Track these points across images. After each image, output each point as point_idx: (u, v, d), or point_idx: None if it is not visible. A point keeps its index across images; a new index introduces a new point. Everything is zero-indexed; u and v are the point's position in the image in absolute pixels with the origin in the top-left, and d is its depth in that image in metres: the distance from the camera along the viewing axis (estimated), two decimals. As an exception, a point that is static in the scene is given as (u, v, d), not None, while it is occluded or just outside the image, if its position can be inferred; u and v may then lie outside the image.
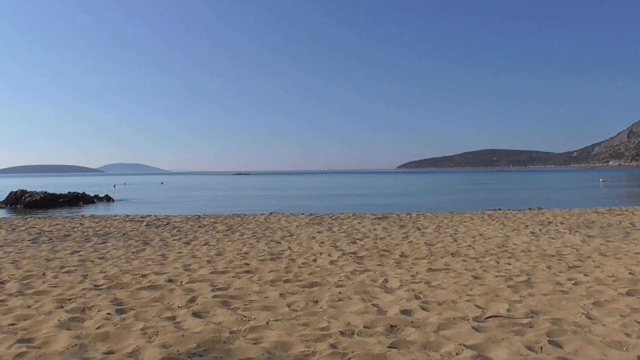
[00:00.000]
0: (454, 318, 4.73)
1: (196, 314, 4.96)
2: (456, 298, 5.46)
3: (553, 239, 10.47)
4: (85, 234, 12.49)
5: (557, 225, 13.07)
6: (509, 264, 7.56)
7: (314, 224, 14.45)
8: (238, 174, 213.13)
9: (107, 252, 9.37)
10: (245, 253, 8.99)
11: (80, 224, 15.17)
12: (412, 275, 6.74)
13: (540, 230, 12.14)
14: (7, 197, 29.62)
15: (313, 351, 3.92)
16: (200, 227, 13.92)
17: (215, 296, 5.65)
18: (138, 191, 51.38)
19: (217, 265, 7.76)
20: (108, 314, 4.97)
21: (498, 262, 7.69)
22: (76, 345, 4.03)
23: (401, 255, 8.52)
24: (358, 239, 10.91)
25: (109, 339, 4.24)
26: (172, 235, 11.97)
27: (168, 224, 14.86)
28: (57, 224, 15.05)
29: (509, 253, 8.59)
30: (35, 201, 28.20)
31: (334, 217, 16.60)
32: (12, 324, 4.67)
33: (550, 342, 4.02)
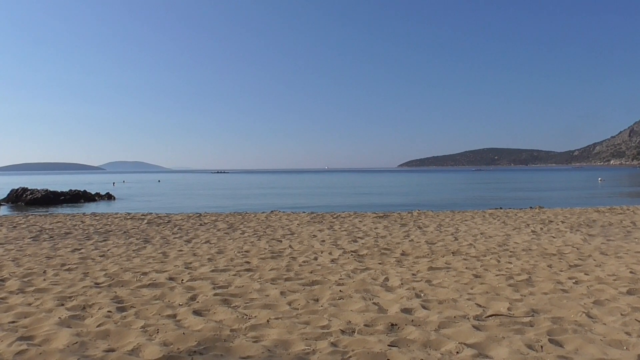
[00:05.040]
0: (454, 317, 4.73)
1: (197, 312, 4.97)
2: (457, 297, 5.46)
3: (554, 237, 10.46)
4: (86, 231, 12.50)
5: (558, 224, 13.05)
6: (510, 262, 7.56)
7: (315, 222, 14.45)
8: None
9: (108, 250, 9.38)
10: (246, 251, 8.99)
11: (81, 221, 15.19)
12: (413, 274, 6.74)
13: (541, 229, 12.13)
14: (9, 194, 29.66)
15: (313, 349, 3.92)
16: (201, 225, 13.92)
17: (216, 294, 5.66)
18: (139, 189, 51.45)
19: (218, 263, 7.76)
20: (109, 311, 4.98)
21: (499, 261, 7.68)
22: (77, 342, 4.04)
23: (402, 254, 8.52)
24: (359, 237, 10.90)
25: (109, 336, 4.24)
26: (173, 233, 11.97)
27: (169, 222, 14.87)
28: (58, 222, 15.06)
29: (510, 252, 8.58)
30: (36, 199, 28.24)
31: (335, 216, 16.60)
32: (13, 322, 4.68)
33: (550, 341, 4.02)
